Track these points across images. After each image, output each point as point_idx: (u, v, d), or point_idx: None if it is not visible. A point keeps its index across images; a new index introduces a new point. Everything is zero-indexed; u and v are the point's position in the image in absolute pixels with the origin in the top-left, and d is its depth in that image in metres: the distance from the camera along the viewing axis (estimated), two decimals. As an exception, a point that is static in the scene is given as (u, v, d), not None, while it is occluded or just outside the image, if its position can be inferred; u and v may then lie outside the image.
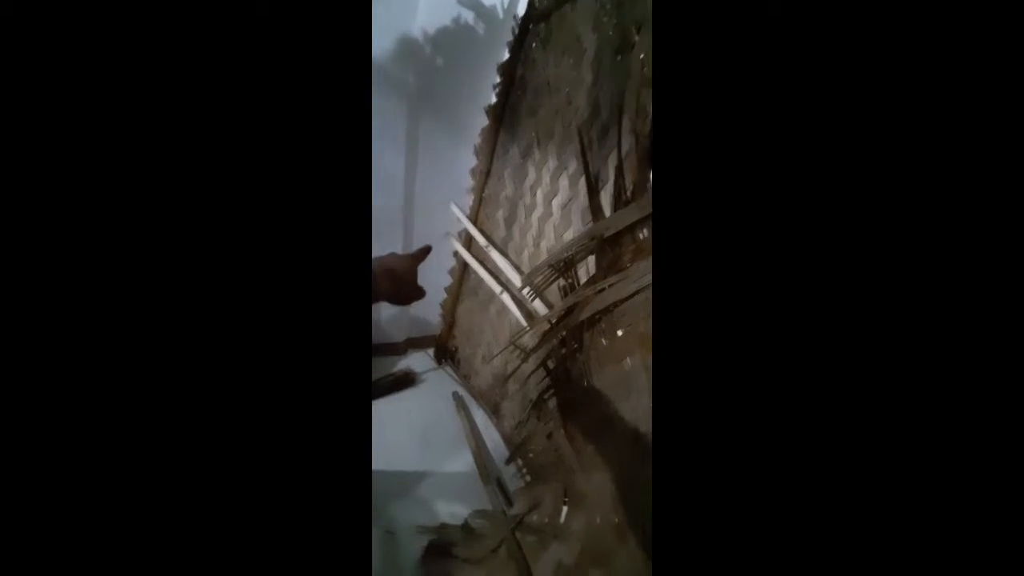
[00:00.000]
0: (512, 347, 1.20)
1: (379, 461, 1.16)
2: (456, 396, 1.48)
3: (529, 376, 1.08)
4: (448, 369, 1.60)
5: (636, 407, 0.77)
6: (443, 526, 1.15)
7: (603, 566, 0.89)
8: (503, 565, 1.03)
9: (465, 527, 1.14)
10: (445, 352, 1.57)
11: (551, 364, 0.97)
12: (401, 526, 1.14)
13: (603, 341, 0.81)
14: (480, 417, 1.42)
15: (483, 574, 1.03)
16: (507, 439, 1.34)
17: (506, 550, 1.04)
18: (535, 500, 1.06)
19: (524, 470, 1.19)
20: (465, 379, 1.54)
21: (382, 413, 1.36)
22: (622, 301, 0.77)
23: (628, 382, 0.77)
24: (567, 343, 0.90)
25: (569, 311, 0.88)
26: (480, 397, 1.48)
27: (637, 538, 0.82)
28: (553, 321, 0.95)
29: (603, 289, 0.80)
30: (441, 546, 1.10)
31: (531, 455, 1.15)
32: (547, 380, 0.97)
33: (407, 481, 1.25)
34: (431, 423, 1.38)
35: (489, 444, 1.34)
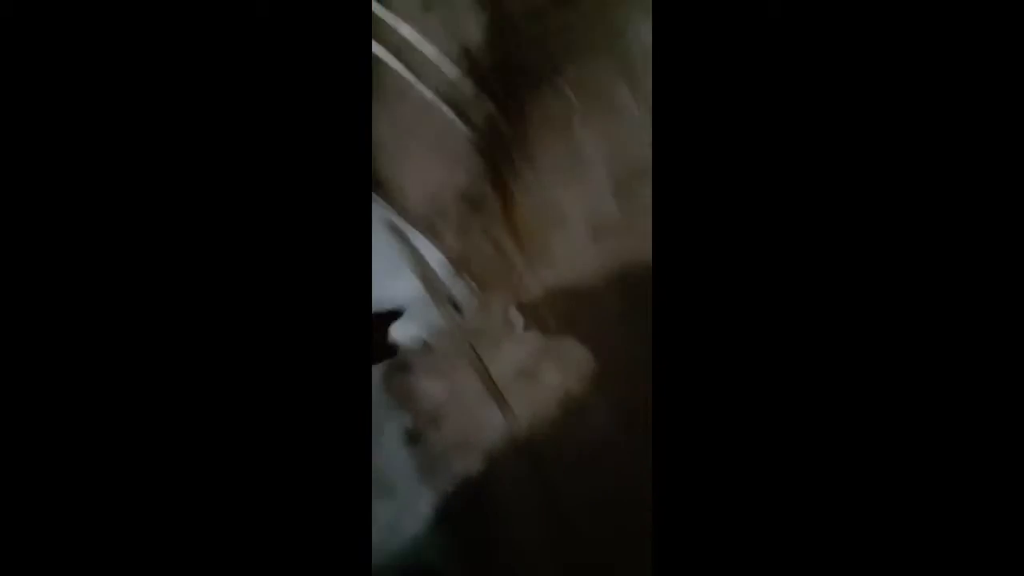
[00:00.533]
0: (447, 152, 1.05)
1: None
2: (390, 225, 1.36)
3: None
4: (379, 200, 1.44)
5: (590, 189, 0.69)
6: (399, 348, 1.16)
7: (557, 360, 0.93)
8: (463, 374, 1.08)
9: (424, 346, 1.16)
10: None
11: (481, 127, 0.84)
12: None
13: (554, 107, 0.69)
14: (421, 242, 1.34)
15: (445, 385, 1.08)
16: (452, 258, 1.29)
17: (465, 360, 1.08)
18: (487, 307, 1.06)
19: (473, 283, 1.17)
20: (400, 207, 1.40)
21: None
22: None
23: (582, 162, 0.67)
24: (502, 110, 0.77)
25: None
26: (419, 224, 1.37)
27: (591, 329, 0.84)
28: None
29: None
30: (401, 365, 1.12)
31: (474, 264, 1.11)
32: (481, 163, 0.86)
33: (355, 314, 1.21)
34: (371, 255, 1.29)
35: (434, 266, 1.29)
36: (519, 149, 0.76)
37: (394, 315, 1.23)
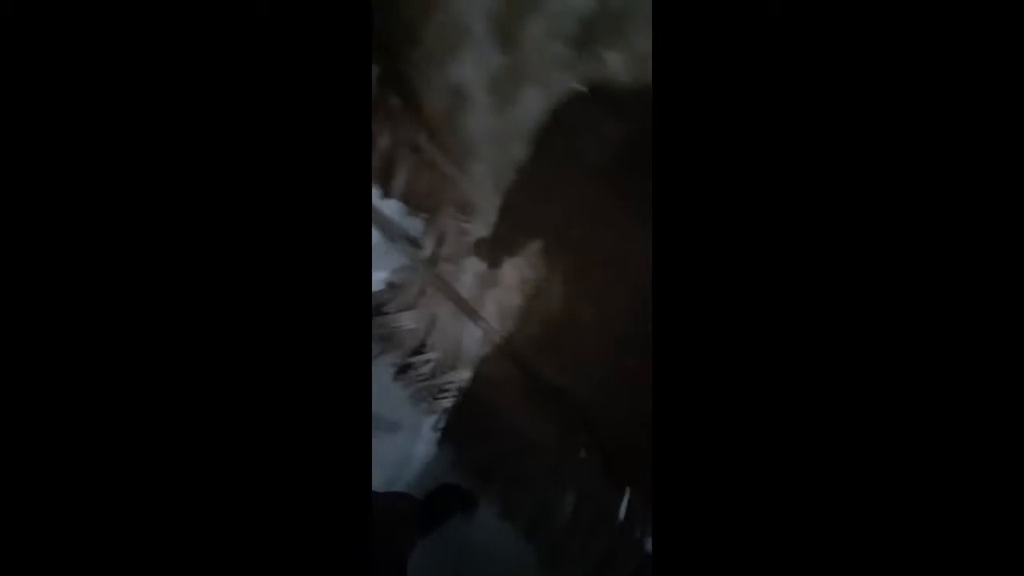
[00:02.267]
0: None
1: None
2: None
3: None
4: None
5: (481, 54, 0.65)
6: (373, 294, 1.17)
7: (516, 252, 0.92)
8: (433, 299, 1.08)
9: (389, 286, 1.16)
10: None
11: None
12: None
13: None
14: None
15: (418, 314, 1.09)
16: (398, 199, 1.27)
17: (431, 287, 1.08)
18: (439, 232, 1.04)
19: (420, 213, 1.16)
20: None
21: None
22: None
23: (462, 22, 0.64)
24: None
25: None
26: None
27: (530, 211, 0.83)
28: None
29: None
30: (375, 310, 1.13)
31: (414, 189, 1.09)
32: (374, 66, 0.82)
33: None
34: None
35: (385, 212, 1.27)
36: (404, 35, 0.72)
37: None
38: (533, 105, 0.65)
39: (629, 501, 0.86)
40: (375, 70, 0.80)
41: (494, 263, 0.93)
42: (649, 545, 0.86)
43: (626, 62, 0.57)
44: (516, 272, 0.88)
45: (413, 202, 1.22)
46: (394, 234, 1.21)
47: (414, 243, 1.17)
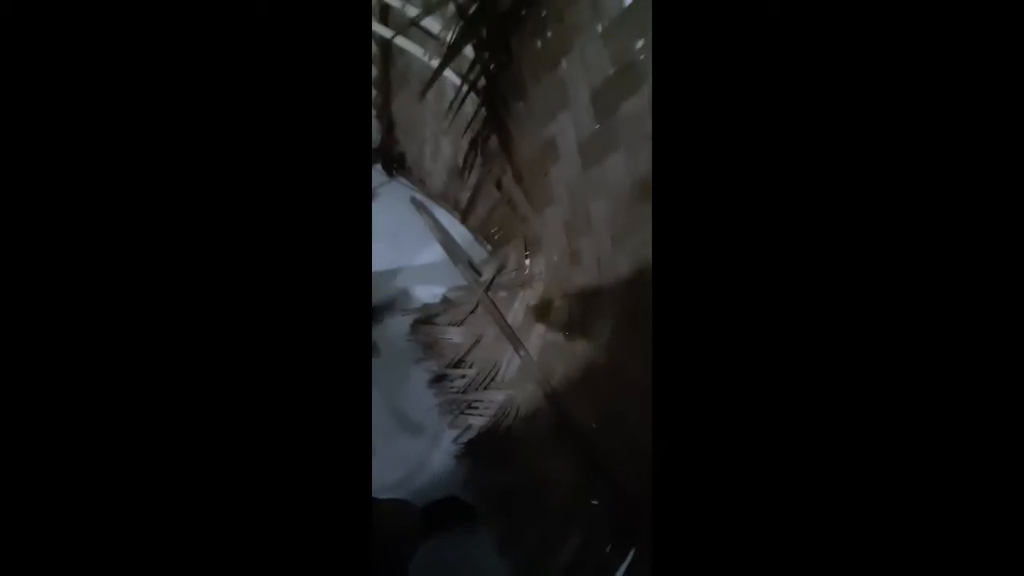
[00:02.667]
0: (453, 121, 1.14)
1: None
2: (414, 200, 1.48)
3: (456, 106, 1.01)
4: (401, 179, 1.56)
5: (578, 118, 0.76)
6: (424, 305, 1.25)
7: (564, 295, 0.99)
8: (481, 321, 1.15)
9: (444, 300, 1.24)
10: (392, 160, 1.52)
11: (481, 83, 0.91)
12: (388, 318, 1.24)
13: (535, 44, 0.76)
14: (443, 215, 1.44)
15: (465, 332, 1.16)
16: (471, 229, 1.38)
17: (482, 308, 1.15)
18: (501, 262, 1.13)
19: (487, 243, 1.26)
20: (421, 184, 1.52)
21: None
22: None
23: (566, 90, 0.75)
24: (493, 55, 0.84)
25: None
26: (438, 198, 1.48)
27: (593, 259, 0.90)
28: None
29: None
30: (425, 319, 1.21)
31: (488, 223, 1.19)
32: (482, 110, 0.93)
33: (383, 279, 1.32)
34: (397, 228, 1.40)
35: (456, 237, 1.38)
36: (512, 90, 0.83)
37: (419, 279, 1.32)
38: (616, 167, 0.74)
39: (632, 561, 0.86)
40: (482, 112, 0.92)
41: (546, 301, 1.00)
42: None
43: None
44: (566, 312, 0.94)
45: (484, 232, 1.33)
46: (458, 257, 1.31)
47: (475, 269, 1.27)
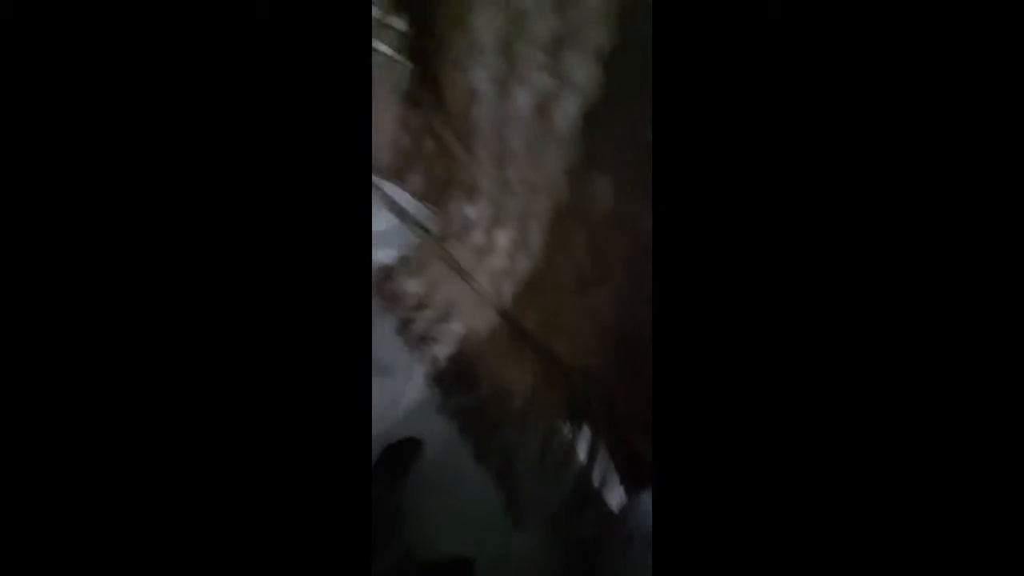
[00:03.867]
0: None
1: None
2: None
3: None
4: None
5: (489, 65, 0.90)
6: (381, 266, 1.35)
7: (500, 226, 1.12)
8: (436, 268, 1.26)
9: (401, 260, 1.35)
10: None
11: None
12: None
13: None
14: (390, 188, 1.54)
15: (422, 281, 1.27)
16: (417, 196, 1.49)
17: (436, 258, 1.26)
18: (446, 216, 1.25)
19: (433, 206, 1.37)
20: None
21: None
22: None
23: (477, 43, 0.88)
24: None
25: None
26: (384, 172, 1.58)
27: (522, 183, 1.03)
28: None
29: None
30: (385, 275, 1.31)
31: (430, 186, 1.31)
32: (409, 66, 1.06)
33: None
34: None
35: (403, 204, 1.49)
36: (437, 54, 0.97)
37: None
38: (522, 100, 0.89)
39: (590, 442, 0.99)
40: (414, 70, 1.05)
41: (489, 234, 1.13)
42: (612, 494, 0.97)
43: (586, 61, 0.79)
44: (507, 240, 1.07)
45: (428, 198, 1.44)
46: (407, 219, 1.42)
47: (424, 227, 1.38)
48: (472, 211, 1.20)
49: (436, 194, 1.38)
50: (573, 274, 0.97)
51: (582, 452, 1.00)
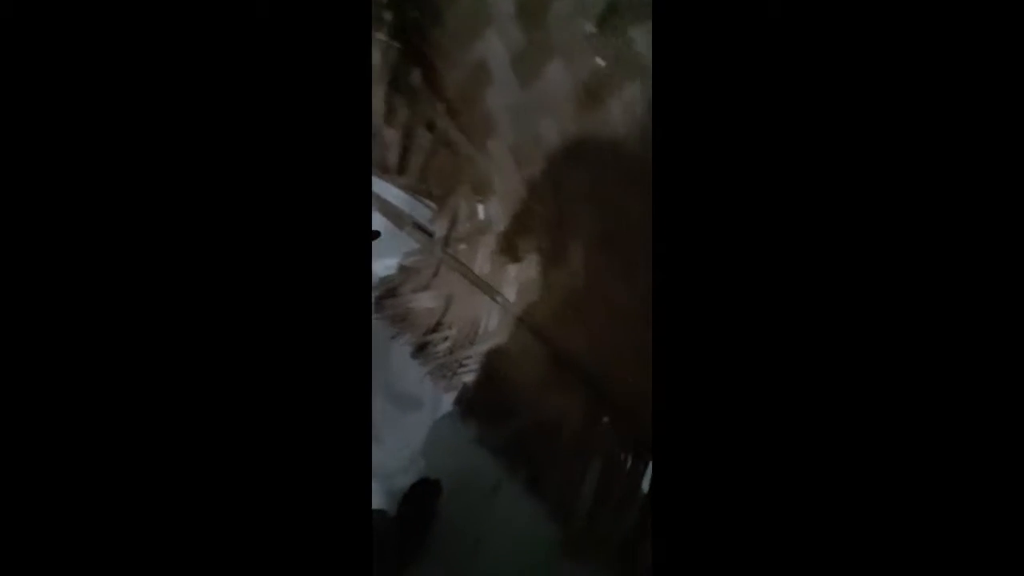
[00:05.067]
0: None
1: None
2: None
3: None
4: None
5: (506, 37, 0.69)
6: (380, 280, 1.18)
7: (526, 232, 0.96)
8: (448, 279, 1.11)
9: (402, 269, 1.18)
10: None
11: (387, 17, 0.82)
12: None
13: None
14: (375, 183, 1.34)
15: (434, 295, 1.11)
16: (408, 189, 1.30)
17: (445, 267, 1.10)
18: (451, 214, 1.08)
19: (430, 200, 1.19)
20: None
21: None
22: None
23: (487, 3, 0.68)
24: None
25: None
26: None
27: (548, 185, 0.87)
28: None
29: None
30: (387, 292, 1.15)
31: (426, 176, 1.12)
32: (395, 44, 0.85)
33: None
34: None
35: (394, 201, 1.29)
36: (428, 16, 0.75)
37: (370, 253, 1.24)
38: (557, 76, 0.70)
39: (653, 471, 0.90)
40: (399, 48, 0.83)
41: (510, 239, 0.97)
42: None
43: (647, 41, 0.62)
44: (533, 246, 0.91)
45: (423, 189, 1.25)
46: (403, 221, 1.23)
47: (424, 228, 1.20)
48: (488, 208, 1.03)
49: (437, 190, 1.19)
50: (616, 290, 0.84)
51: (646, 484, 0.91)
